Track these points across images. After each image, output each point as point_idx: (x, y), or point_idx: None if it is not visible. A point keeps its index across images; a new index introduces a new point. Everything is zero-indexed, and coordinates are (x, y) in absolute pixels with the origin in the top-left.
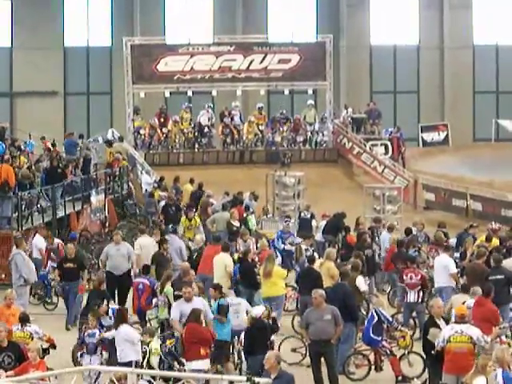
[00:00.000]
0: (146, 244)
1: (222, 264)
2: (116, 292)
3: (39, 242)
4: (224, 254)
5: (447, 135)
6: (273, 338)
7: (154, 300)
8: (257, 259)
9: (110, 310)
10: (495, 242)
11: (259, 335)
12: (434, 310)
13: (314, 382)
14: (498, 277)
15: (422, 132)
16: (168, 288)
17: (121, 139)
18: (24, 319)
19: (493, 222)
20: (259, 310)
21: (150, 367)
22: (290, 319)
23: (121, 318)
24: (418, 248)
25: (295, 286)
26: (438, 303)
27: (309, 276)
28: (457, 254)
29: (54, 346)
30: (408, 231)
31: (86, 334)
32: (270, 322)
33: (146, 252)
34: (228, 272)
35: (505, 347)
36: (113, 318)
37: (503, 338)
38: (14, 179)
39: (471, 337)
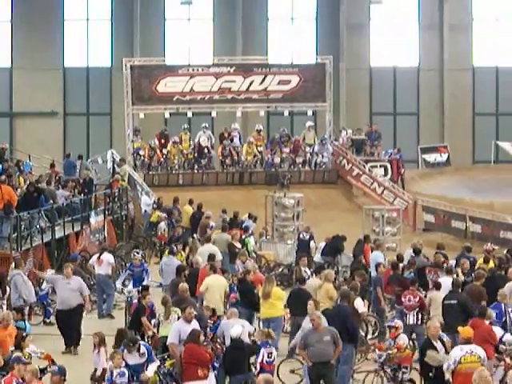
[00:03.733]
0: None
1: (222, 286)
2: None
3: (110, 258)
4: (220, 277)
5: (449, 156)
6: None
7: (153, 321)
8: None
9: (142, 347)
10: (492, 263)
11: (238, 355)
12: (431, 332)
13: None
14: (452, 302)
15: (422, 153)
16: (175, 308)
17: (123, 161)
18: (22, 340)
19: (488, 244)
20: (238, 330)
21: None
22: (287, 340)
23: (121, 338)
24: (415, 270)
25: None
26: (434, 324)
27: (300, 297)
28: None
29: (53, 363)
30: (416, 251)
31: (114, 373)
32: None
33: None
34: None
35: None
36: (146, 355)
37: (508, 359)
38: (16, 200)
39: (480, 356)
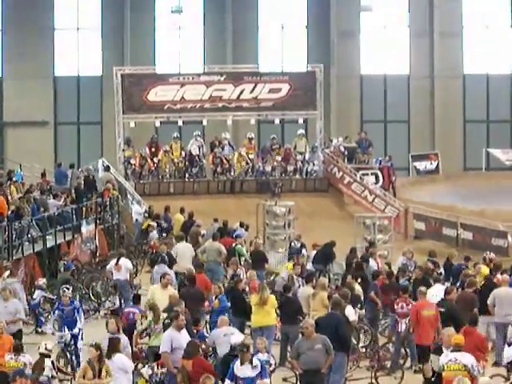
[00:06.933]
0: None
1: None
2: None
3: (128, 263)
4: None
5: (438, 164)
6: None
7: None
8: (247, 289)
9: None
10: (479, 269)
11: None
12: (444, 338)
13: None
14: (441, 310)
15: (412, 161)
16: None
17: (107, 169)
18: (18, 349)
19: (487, 252)
20: (238, 339)
21: None
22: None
23: (114, 347)
24: (408, 277)
25: None
26: (449, 332)
27: (288, 305)
28: (447, 284)
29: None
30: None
31: None
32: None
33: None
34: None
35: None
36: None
37: None
38: (6, 209)
39: (465, 365)
